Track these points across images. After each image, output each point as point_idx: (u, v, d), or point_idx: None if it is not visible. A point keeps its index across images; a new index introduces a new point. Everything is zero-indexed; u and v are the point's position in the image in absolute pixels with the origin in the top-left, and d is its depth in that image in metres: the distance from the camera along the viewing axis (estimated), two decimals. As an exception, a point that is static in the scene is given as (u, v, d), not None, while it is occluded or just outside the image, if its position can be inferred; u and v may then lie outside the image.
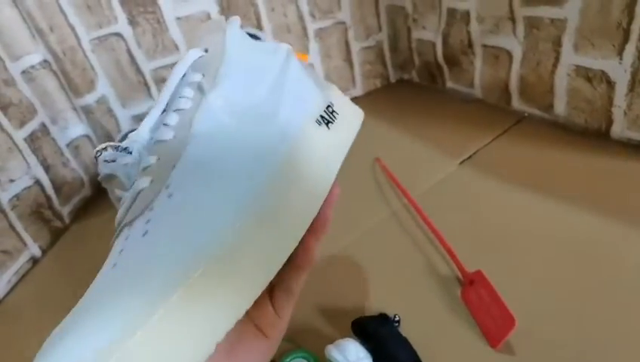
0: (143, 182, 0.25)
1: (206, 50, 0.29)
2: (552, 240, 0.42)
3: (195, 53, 0.29)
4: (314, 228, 0.25)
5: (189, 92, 0.27)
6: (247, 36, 0.30)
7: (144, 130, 0.27)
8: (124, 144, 0.27)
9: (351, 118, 0.33)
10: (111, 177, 0.28)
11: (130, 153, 0.26)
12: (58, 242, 0.62)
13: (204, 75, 0.28)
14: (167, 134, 0.26)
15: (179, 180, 0.24)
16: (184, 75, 0.28)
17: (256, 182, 0.24)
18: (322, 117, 0.29)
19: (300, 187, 0.25)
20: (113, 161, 0.26)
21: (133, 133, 0.27)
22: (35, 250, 0.58)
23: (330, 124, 0.30)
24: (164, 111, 0.28)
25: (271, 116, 0.27)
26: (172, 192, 0.24)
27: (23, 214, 0.56)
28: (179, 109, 0.27)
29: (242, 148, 0.25)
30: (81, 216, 0.66)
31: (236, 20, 0.31)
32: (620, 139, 0.52)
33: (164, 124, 0.27)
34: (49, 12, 0.60)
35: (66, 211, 0.64)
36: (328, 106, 0.31)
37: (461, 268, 0.41)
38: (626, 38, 0.46)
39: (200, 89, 0.27)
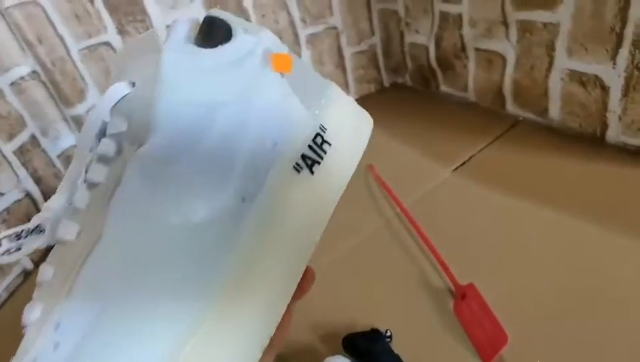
0: (35, 311, 0.18)
1: (133, 84, 0.20)
2: (547, 248, 0.42)
3: (117, 91, 0.20)
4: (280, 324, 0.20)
5: (108, 147, 0.19)
6: (196, 50, 0.21)
7: (58, 202, 0.19)
8: (33, 221, 0.19)
9: (351, 141, 0.24)
10: None
11: (43, 231, 0.19)
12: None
13: (129, 125, 0.19)
14: (70, 230, 0.19)
15: (70, 320, 0.17)
16: (106, 122, 0.20)
17: (192, 313, 0.17)
18: (305, 157, 0.21)
19: (264, 284, 0.19)
20: (19, 249, 0.19)
21: (46, 203, 0.20)
22: (26, 262, 0.57)
23: (315, 166, 0.21)
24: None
25: (224, 178, 0.19)
26: (59, 341, 0.16)
27: (13, 227, 0.56)
28: (92, 183, 0.19)
29: (177, 251, 0.18)
30: (73, 227, 0.66)
31: (180, 27, 0.22)
32: (615, 144, 0.51)
33: (73, 206, 0.19)
34: (37, 23, 0.59)
35: (58, 223, 0.63)
36: (317, 136, 0.22)
37: (454, 280, 0.40)
38: (619, 43, 0.46)
39: (120, 147, 0.19)
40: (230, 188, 0.19)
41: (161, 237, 0.18)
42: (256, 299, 0.19)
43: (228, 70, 0.21)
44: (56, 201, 0.19)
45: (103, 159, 0.19)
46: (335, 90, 0.26)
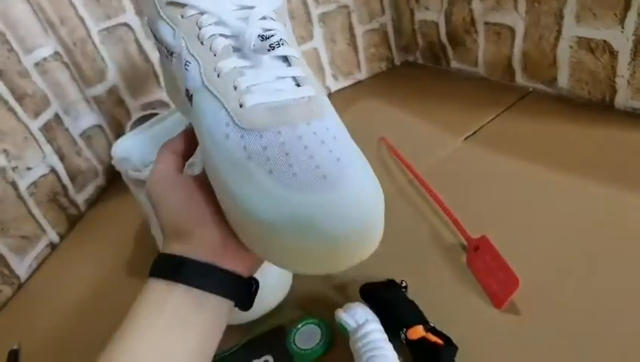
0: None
1: None
2: (556, 211, 0.43)
3: None
4: None
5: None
6: None
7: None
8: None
9: None
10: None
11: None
12: (74, 229, 0.63)
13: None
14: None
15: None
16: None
17: None
18: None
19: None
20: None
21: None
22: (53, 236, 0.60)
23: None
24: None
25: None
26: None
27: (40, 201, 0.58)
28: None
29: None
30: (95, 203, 0.68)
31: None
32: (624, 110, 0.52)
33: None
34: (59, 5, 0.62)
35: (81, 199, 0.65)
36: None
37: (466, 235, 0.41)
38: (627, 6, 0.46)
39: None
40: None
41: None
42: None
43: None
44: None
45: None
46: None
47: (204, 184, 0.28)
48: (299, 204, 0.22)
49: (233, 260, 0.27)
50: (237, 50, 0.27)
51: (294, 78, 0.27)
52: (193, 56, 0.28)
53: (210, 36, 0.28)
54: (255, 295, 0.30)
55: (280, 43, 0.26)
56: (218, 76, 0.27)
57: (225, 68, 0.27)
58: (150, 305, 0.26)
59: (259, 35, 0.26)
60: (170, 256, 0.27)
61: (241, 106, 0.25)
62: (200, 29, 0.28)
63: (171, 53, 0.30)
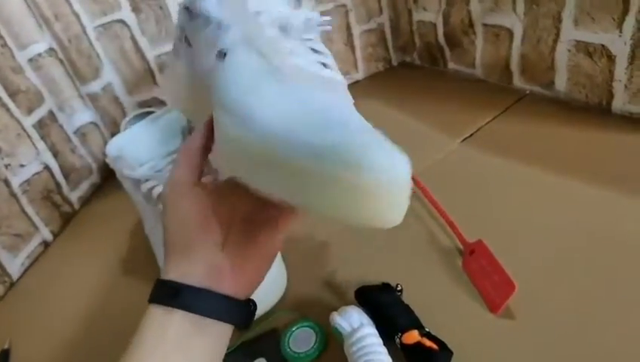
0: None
1: None
2: (553, 215, 0.43)
3: None
4: None
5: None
6: None
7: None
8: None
9: None
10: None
11: None
12: (68, 227, 0.63)
13: None
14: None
15: None
16: None
17: None
18: None
19: None
20: None
21: None
22: (46, 234, 0.59)
23: None
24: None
25: None
26: None
27: (34, 199, 0.57)
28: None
29: None
30: (89, 201, 0.67)
31: None
32: (621, 114, 0.52)
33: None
34: (54, 1, 0.61)
35: (74, 196, 0.65)
36: None
37: (462, 238, 0.41)
38: (625, 10, 0.46)
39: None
40: None
41: None
42: None
43: None
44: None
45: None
46: None
47: (215, 202, 0.29)
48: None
49: (231, 282, 0.28)
50: (282, 30, 0.30)
51: (324, 65, 0.30)
52: (237, 21, 0.30)
53: (258, 11, 0.30)
54: (253, 316, 0.30)
55: (328, 23, 0.31)
56: (261, 37, 0.29)
57: (269, 33, 0.29)
58: (151, 332, 0.26)
59: (306, 17, 0.30)
60: (167, 283, 0.27)
61: (280, 65, 0.28)
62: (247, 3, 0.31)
63: (209, 23, 0.31)
